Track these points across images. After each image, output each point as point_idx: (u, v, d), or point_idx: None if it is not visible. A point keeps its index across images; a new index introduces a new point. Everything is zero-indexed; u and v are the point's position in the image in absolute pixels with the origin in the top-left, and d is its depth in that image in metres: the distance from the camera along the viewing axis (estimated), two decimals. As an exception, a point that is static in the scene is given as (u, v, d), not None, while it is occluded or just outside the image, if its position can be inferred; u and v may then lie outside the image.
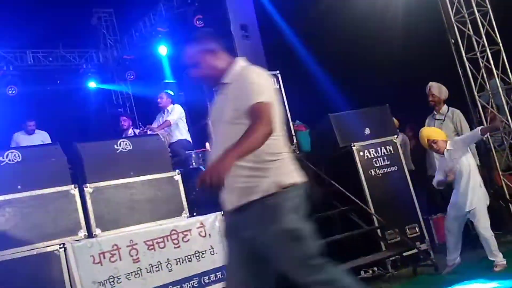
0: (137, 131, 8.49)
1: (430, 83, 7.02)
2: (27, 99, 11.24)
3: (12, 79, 11.46)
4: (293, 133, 7.38)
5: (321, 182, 6.71)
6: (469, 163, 5.77)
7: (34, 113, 9.57)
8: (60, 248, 4.45)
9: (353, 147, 6.69)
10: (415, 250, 6.27)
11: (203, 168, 6.10)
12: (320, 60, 10.87)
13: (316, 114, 7.75)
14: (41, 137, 8.70)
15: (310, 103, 9.58)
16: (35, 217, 4.59)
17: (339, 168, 6.85)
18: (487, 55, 7.48)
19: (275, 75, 7.57)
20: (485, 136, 6.82)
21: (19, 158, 4.73)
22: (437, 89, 6.96)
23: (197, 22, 11.12)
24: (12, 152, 4.74)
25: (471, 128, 6.77)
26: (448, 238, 5.78)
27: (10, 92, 11.32)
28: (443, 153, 5.85)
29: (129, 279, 4.67)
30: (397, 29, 9.33)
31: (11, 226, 4.46)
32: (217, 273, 5.13)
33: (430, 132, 6.09)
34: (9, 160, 4.69)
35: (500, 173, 7.48)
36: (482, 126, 6.51)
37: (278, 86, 7.55)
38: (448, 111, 6.95)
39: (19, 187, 4.60)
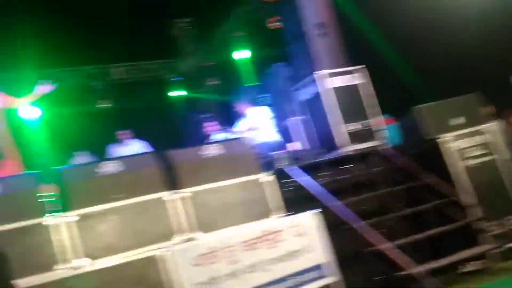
0: (223, 135, 8.66)
1: None
2: (117, 112, 11.72)
3: (101, 94, 12.03)
4: (381, 128, 7.31)
5: (412, 176, 6.58)
6: None
7: (124, 125, 10.00)
8: (161, 252, 4.59)
9: (440, 139, 6.49)
10: (518, 242, 6.00)
11: (289, 169, 6.14)
12: (404, 51, 10.61)
13: (406, 106, 7.61)
14: (134, 147, 9.08)
15: (399, 95, 9.41)
16: (136, 223, 4.80)
17: (430, 160, 6.66)
18: None
19: (359, 70, 7.52)
20: None
21: (119, 168, 4.95)
22: None
23: (274, 24, 11.24)
24: (112, 163, 4.97)
25: None
26: None
27: (101, 106, 11.90)
28: None
29: (228, 280, 4.76)
30: (480, 15, 8.97)
31: (116, 233, 4.70)
32: (314, 272, 5.13)
33: None
34: (109, 170, 4.92)
35: None
36: None
37: (362, 81, 7.49)
38: None
39: (120, 195, 4.82)
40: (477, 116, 6.84)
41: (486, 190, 6.37)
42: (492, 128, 6.73)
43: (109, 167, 4.96)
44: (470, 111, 6.85)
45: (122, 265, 4.43)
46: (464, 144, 6.57)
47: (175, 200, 5.03)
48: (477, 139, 6.62)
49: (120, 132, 9.17)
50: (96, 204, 4.72)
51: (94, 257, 4.53)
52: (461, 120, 6.72)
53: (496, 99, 8.10)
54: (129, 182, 4.96)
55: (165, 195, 5.03)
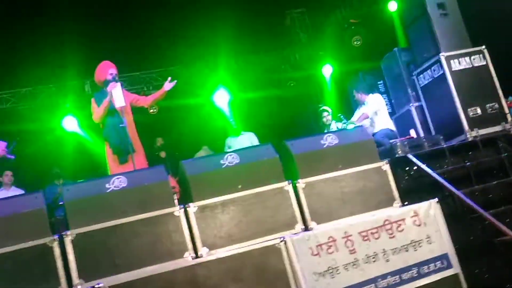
0: (340, 124, 8.62)
1: None
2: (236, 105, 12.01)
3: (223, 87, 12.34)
4: (507, 111, 6.89)
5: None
6: None
7: (243, 116, 10.30)
8: (281, 241, 4.70)
9: None
10: None
11: (411, 157, 5.97)
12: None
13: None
14: (248, 138, 9.32)
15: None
16: (255, 213, 4.94)
17: None
18: None
19: (481, 51, 7.14)
20: None
21: (238, 160, 5.13)
22: None
23: (391, 8, 10.94)
24: (231, 155, 5.16)
25: None
26: None
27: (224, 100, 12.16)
28: None
29: (347, 270, 4.77)
30: None
31: (236, 223, 4.87)
32: (437, 263, 4.99)
33: None
34: (229, 163, 5.11)
35: None
36: None
37: (485, 63, 7.10)
38: None
39: (239, 186, 4.99)
40: None
41: None
42: None
43: (230, 159, 5.15)
44: None
45: (242, 254, 4.60)
46: None
47: (291, 191, 5.10)
48: None
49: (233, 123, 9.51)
50: (218, 195, 4.92)
51: (215, 246, 4.73)
52: None
53: None
54: (249, 173, 5.11)
55: (283, 185, 5.12)
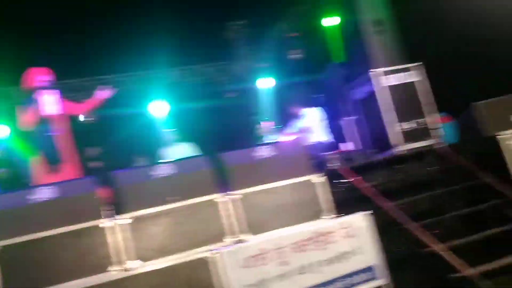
0: (275, 137, 8.68)
1: None
2: (173, 115, 11.97)
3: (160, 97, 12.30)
4: (437, 126, 7.14)
5: (470, 175, 6.39)
6: None
7: (179, 127, 10.21)
8: (212, 254, 4.66)
9: (499, 137, 6.27)
10: None
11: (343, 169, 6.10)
12: (461, 47, 10.32)
13: (462, 104, 7.40)
14: (185, 148, 9.24)
15: (455, 93, 9.15)
16: (188, 225, 4.88)
17: (488, 159, 6.44)
18: None
19: (414, 68, 7.37)
20: None
21: (172, 171, 5.06)
22: None
23: (329, 22, 11.17)
24: (165, 166, 5.09)
25: None
26: None
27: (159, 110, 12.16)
28: None
29: (278, 282, 4.77)
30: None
31: (166, 235, 4.79)
32: (366, 274, 5.07)
33: None
34: (163, 173, 5.04)
35: None
36: None
37: (418, 79, 7.33)
38: None
39: (172, 197, 4.92)
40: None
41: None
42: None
43: (162, 170, 5.08)
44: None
45: (173, 267, 4.52)
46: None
47: (226, 202, 5.09)
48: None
49: (167, 131, 9.39)
50: (150, 207, 4.83)
51: (146, 258, 4.64)
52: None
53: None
54: (182, 185, 5.05)
55: (217, 197, 5.09)
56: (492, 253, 5.47)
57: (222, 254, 4.65)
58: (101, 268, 4.48)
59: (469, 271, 4.87)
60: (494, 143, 6.32)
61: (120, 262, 4.55)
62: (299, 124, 8.31)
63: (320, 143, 8.07)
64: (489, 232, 5.64)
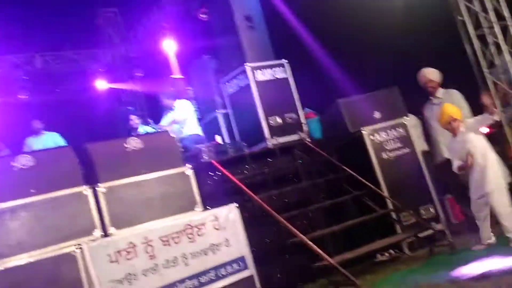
0: (148, 128, 8.54)
1: (426, 70, 6.95)
2: (38, 102, 11.34)
3: (22, 84, 11.58)
4: (303, 121, 7.40)
5: (333, 168, 6.72)
6: (482, 143, 5.72)
7: (45, 116, 9.67)
8: (77, 248, 4.49)
9: (363, 132, 6.67)
10: (431, 231, 6.25)
11: (214, 162, 6.14)
12: (327, 46, 10.81)
13: (326, 100, 7.74)
14: (52, 138, 8.80)
15: (319, 90, 9.57)
16: (50, 219, 4.64)
17: (351, 153, 6.82)
18: (495, 30, 7.34)
19: (283, 65, 7.57)
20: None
21: (32, 162, 4.77)
22: (435, 74, 6.92)
23: (202, 16, 11.15)
24: (24, 157, 4.79)
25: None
26: (478, 222, 5.70)
27: (21, 96, 11.46)
28: (456, 135, 5.80)
29: (146, 276, 4.71)
30: (401, 11, 9.27)
31: (27, 230, 4.52)
32: (234, 265, 5.16)
33: (453, 109, 5.90)
34: (22, 165, 4.74)
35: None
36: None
37: (286, 75, 7.54)
38: (443, 93, 6.93)
39: (32, 191, 4.65)
40: (396, 110, 7.07)
41: (399, 182, 6.61)
42: (405, 122, 6.97)
43: (24, 161, 4.78)
44: (389, 105, 7.08)
45: (33, 264, 4.29)
46: (383, 136, 6.78)
47: (91, 196, 4.91)
48: (394, 133, 6.85)
49: (33, 121, 8.88)
50: (7, 200, 4.53)
51: (3, 256, 4.34)
52: (382, 113, 6.93)
53: (415, 94, 8.38)
54: (45, 177, 4.79)
55: (81, 189, 4.90)
56: (354, 241, 5.82)
57: (88, 248, 4.51)
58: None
59: (332, 259, 5.11)
60: (356, 138, 6.71)
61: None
62: (172, 116, 8.22)
63: (192, 136, 8.05)
64: (351, 222, 5.96)
